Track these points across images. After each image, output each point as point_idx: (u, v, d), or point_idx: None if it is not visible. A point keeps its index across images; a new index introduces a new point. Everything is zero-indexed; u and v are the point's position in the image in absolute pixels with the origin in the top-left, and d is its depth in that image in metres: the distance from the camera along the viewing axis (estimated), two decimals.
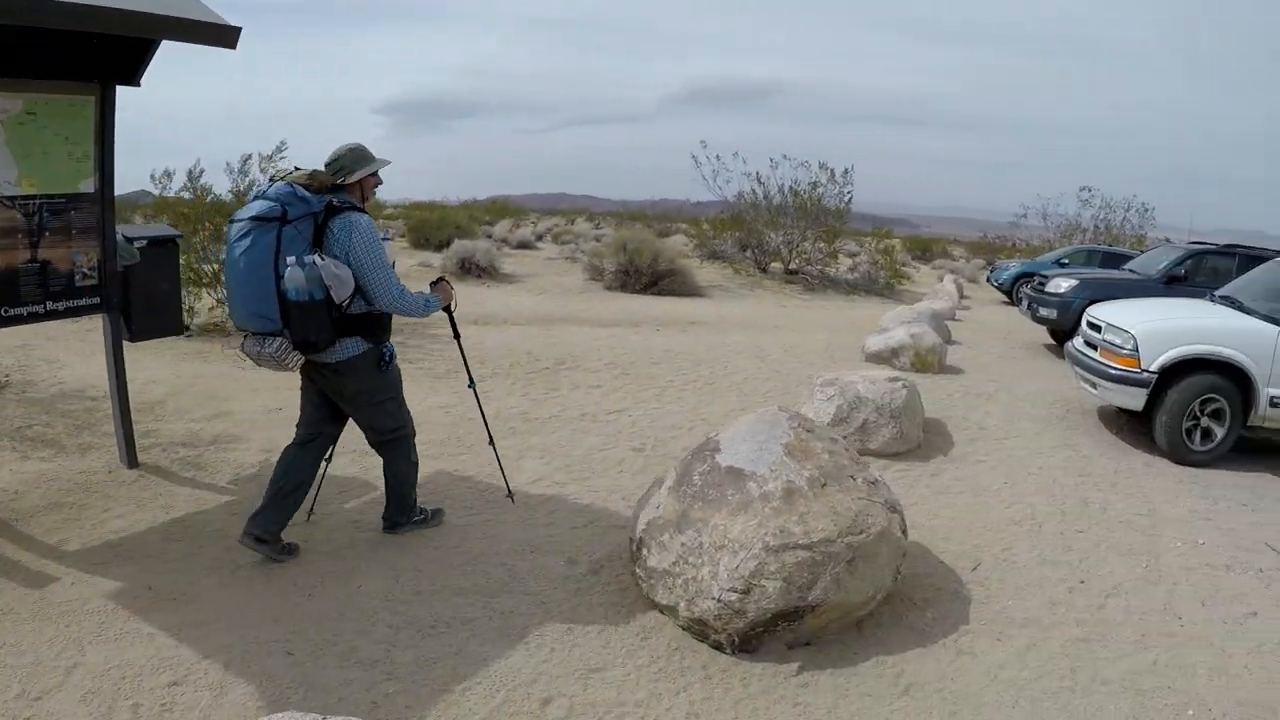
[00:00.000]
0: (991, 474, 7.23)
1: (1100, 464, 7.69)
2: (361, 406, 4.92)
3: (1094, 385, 8.55)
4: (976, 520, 6.18)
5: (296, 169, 4.68)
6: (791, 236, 24.28)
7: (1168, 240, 26.33)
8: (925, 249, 47.46)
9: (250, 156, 12.78)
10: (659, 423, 8.34)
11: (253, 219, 4.40)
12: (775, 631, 4.18)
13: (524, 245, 34.44)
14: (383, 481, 5.35)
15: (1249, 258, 13.86)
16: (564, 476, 6.74)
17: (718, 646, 4.22)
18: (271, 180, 4.64)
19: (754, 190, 25.07)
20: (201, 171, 12.92)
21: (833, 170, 24.56)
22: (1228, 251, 14.57)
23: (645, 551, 4.60)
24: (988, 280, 27.75)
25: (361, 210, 4.72)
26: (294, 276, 4.33)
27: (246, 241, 4.39)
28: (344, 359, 4.66)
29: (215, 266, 11.55)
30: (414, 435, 5.26)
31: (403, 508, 5.34)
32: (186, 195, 13.22)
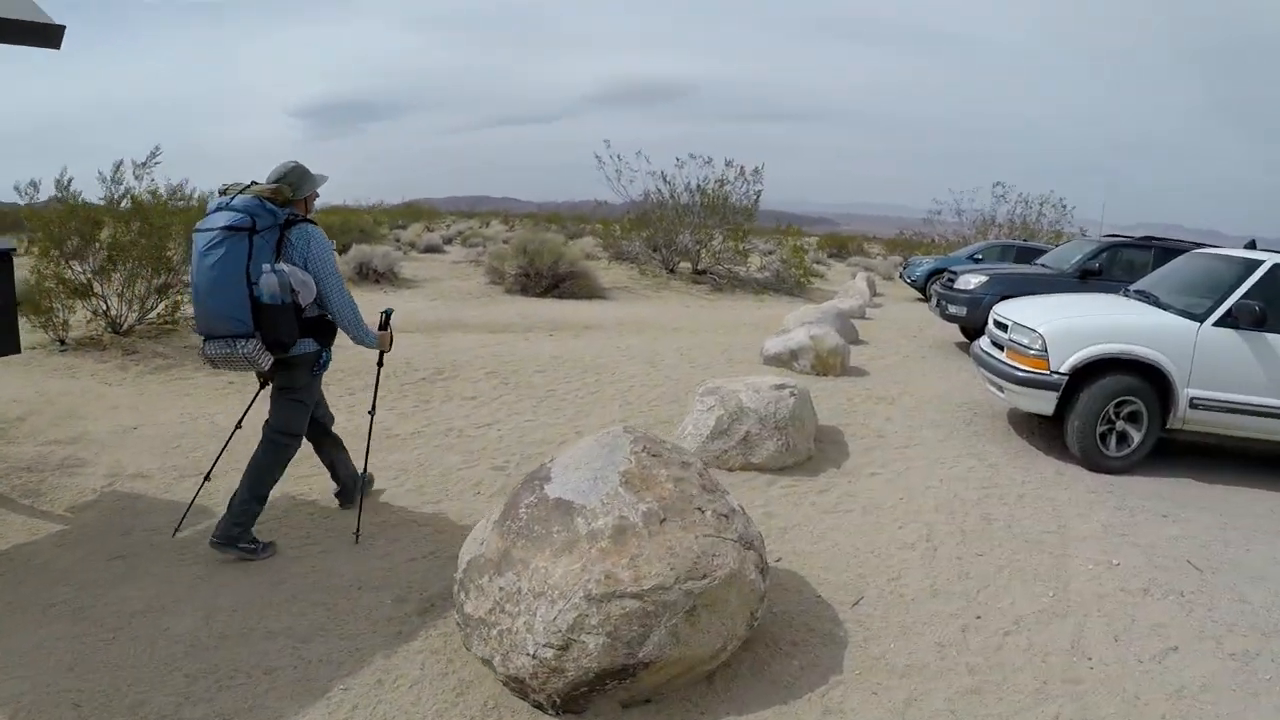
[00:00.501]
0: (887, 489, 6.56)
1: (1007, 474, 7.08)
2: (283, 400, 5.16)
3: (1001, 389, 7.94)
4: (864, 544, 5.49)
5: (253, 183, 4.93)
6: (700, 236, 23.63)
7: (1083, 234, 26.07)
8: (842, 246, 47.33)
9: (122, 162, 11.87)
10: (529, 437, 7.60)
11: (225, 229, 4.60)
12: (605, 690, 3.47)
13: (432, 249, 33.61)
14: (223, 508, 5.18)
15: (1166, 250, 13.44)
16: (415, 500, 6.04)
17: (539, 707, 3.54)
18: (222, 193, 4.87)
19: (659, 190, 24.45)
20: (70, 180, 12.02)
21: (741, 167, 24.02)
22: (1144, 244, 14.12)
23: (464, 595, 3.88)
24: (901, 277, 27.35)
25: (312, 221, 5.04)
26: (269, 282, 4.60)
27: (221, 250, 4.59)
28: (298, 354, 4.97)
29: (88, 277, 10.67)
30: (297, 449, 5.33)
31: (242, 516, 5.02)
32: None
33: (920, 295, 24.09)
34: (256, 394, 5.49)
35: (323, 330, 5.07)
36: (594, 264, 22.78)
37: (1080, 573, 5.18)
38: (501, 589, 3.67)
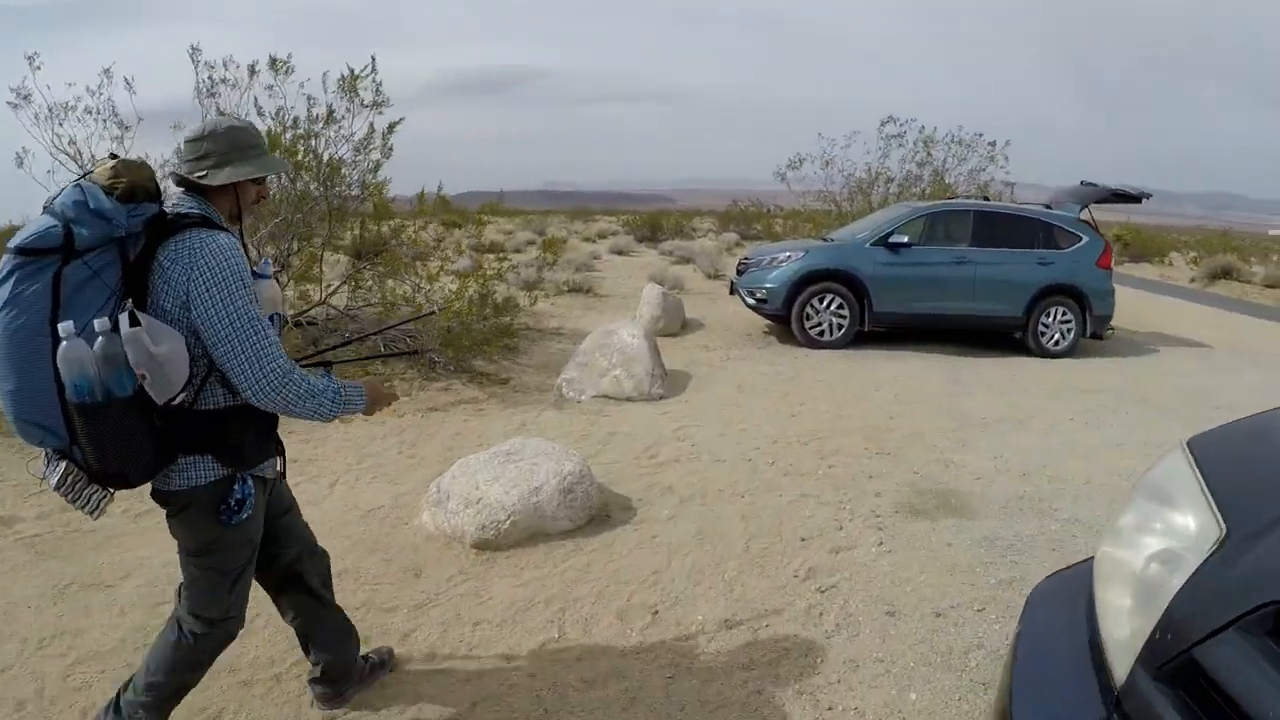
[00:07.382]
0: None
1: None
2: (189, 566, 2.62)
3: None
4: None
5: (113, 156, 2.38)
6: None
7: (1084, 184, 12.17)
8: (655, 228, 31.41)
9: None
10: None
11: (17, 251, 2.19)
12: None
13: None
14: None
15: None
16: None
17: None
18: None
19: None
20: None
21: (344, 78, 9.39)
22: None
23: None
24: (733, 289, 12.42)
25: (221, 227, 2.44)
26: (72, 357, 2.12)
27: (4, 291, 2.17)
28: (183, 488, 2.45)
29: None
30: (224, 646, 2.78)
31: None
32: None
33: (777, 321, 11.32)
34: None
35: (233, 438, 2.45)
36: None
37: None
38: None
